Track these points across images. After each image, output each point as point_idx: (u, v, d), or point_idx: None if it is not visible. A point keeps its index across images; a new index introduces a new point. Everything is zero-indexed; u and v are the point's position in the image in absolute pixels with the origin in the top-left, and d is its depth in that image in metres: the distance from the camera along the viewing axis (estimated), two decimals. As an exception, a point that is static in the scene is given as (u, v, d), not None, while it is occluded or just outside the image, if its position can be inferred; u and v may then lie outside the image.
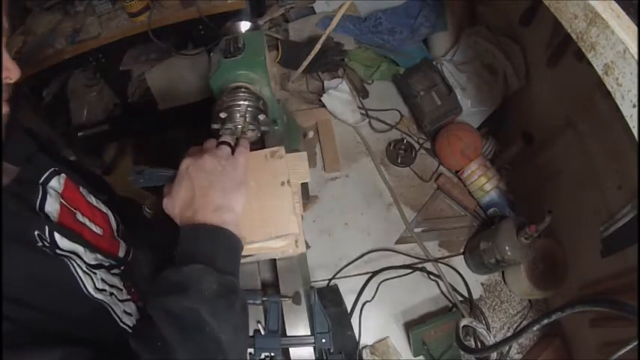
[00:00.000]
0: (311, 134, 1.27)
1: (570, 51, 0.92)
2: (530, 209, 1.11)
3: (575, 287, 0.96)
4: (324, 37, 1.15)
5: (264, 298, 0.71)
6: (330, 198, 1.19)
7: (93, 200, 0.72)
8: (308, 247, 1.12)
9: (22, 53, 1.52)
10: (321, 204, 1.18)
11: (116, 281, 0.69)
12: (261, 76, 0.77)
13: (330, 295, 1.02)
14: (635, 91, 0.50)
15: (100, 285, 0.64)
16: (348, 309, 1.03)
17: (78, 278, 0.59)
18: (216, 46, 0.81)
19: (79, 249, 0.61)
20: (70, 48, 1.54)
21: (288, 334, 0.74)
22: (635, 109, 0.50)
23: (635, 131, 0.50)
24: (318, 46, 1.15)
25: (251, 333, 0.71)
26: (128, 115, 1.98)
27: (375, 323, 1.04)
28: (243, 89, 0.75)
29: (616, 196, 0.80)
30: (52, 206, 0.60)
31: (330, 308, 0.99)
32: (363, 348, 1.00)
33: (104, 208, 0.74)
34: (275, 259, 0.81)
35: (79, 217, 0.65)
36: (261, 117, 0.74)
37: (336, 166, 1.23)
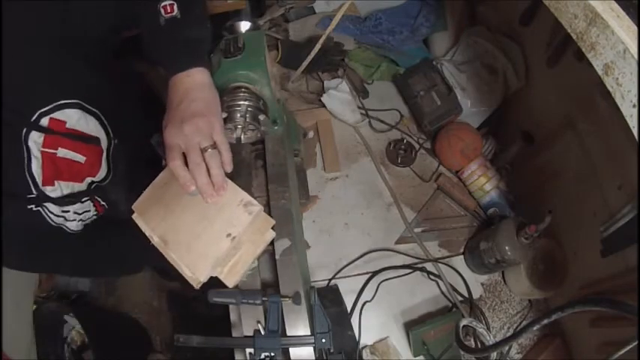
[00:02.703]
0: (311, 134, 1.27)
1: (570, 51, 0.92)
2: (530, 209, 1.11)
3: (575, 287, 0.96)
4: (324, 37, 1.15)
5: (264, 298, 0.71)
6: (330, 198, 1.19)
7: (85, 126, 0.73)
8: (308, 247, 1.12)
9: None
10: (321, 204, 1.18)
11: (86, 206, 0.78)
12: (261, 76, 0.77)
13: (330, 295, 1.02)
14: (635, 91, 0.50)
15: (71, 217, 0.75)
16: (348, 309, 1.03)
17: (50, 221, 0.72)
18: (216, 46, 0.80)
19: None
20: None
21: (288, 334, 0.74)
22: (635, 109, 0.50)
23: (635, 131, 0.50)
24: (318, 46, 1.15)
25: (251, 333, 0.71)
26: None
27: (375, 323, 1.04)
28: (243, 89, 0.75)
29: (616, 196, 0.80)
30: (35, 167, 0.67)
31: (330, 308, 0.99)
32: (363, 348, 1.00)
33: (96, 132, 0.76)
34: (275, 259, 0.81)
35: (60, 153, 0.70)
36: (261, 117, 0.74)
37: (336, 166, 1.23)
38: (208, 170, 0.64)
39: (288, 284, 0.76)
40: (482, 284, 1.12)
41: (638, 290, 0.67)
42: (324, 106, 1.28)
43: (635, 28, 0.52)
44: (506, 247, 0.96)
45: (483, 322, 1.06)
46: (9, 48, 0.59)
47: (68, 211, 0.74)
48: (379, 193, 1.21)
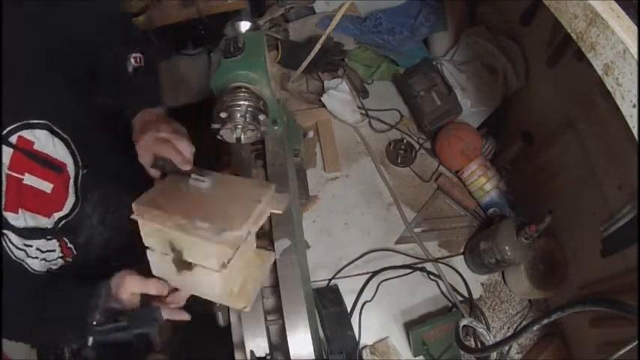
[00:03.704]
0: (311, 134, 1.27)
1: (570, 51, 0.92)
2: (530, 209, 1.11)
3: (575, 287, 0.97)
4: (324, 37, 1.15)
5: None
6: (330, 198, 1.19)
7: (52, 149, 0.72)
8: (308, 247, 1.12)
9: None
10: (321, 204, 1.18)
11: (51, 245, 0.75)
12: (261, 76, 0.77)
13: (330, 295, 1.02)
14: (635, 91, 0.50)
15: (33, 254, 0.72)
16: (348, 309, 1.03)
17: (10, 253, 0.68)
18: (216, 46, 0.81)
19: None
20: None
21: (287, 331, 0.74)
22: (635, 109, 0.50)
23: (635, 131, 0.50)
24: (318, 46, 1.15)
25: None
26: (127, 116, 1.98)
27: (375, 323, 1.04)
28: (243, 89, 0.75)
29: (616, 196, 0.80)
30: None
31: (330, 308, 0.99)
32: (363, 348, 1.00)
33: (63, 157, 0.75)
34: (274, 259, 0.81)
35: (26, 180, 0.69)
36: (261, 117, 0.74)
37: (336, 166, 1.23)
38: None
39: (288, 284, 0.76)
40: (482, 284, 1.12)
41: (639, 290, 0.67)
42: (324, 106, 1.28)
43: (635, 28, 0.52)
44: (506, 247, 0.96)
45: (483, 322, 1.06)
46: None
47: (31, 246, 0.71)
48: (379, 193, 1.21)
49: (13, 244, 0.68)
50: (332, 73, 1.36)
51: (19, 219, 0.68)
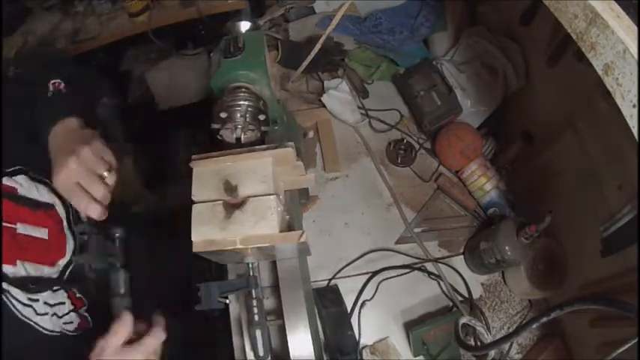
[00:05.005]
0: (311, 134, 1.27)
1: (570, 51, 0.92)
2: (530, 209, 1.11)
3: (575, 287, 0.96)
4: (324, 37, 1.15)
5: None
6: (330, 198, 1.19)
7: (36, 194, 0.70)
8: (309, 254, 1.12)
9: (22, 53, 1.52)
10: (321, 204, 1.18)
11: (59, 297, 0.70)
12: (261, 76, 0.77)
13: (330, 295, 1.02)
14: (635, 91, 0.50)
15: (41, 310, 0.65)
16: (348, 309, 1.03)
17: (16, 312, 0.61)
18: (216, 46, 0.81)
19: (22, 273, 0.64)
20: (70, 48, 1.54)
21: (287, 330, 0.74)
22: (635, 109, 0.50)
23: (635, 131, 0.50)
24: (318, 46, 1.15)
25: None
26: (128, 116, 1.98)
27: (375, 323, 1.04)
28: (243, 89, 0.75)
29: (616, 196, 0.80)
30: None
31: (330, 308, 0.99)
32: (363, 348, 1.00)
33: (50, 198, 0.72)
34: (275, 260, 0.81)
35: (20, 229, 0.65)
36: (261, 117, 0.74)
37: (336, 166, 1.23)
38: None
39: (288, 284, 0.76)
40: (482, 284, 1.12)
41: (638, 290, 0.67)
42: (324, 106, 1.28)
43: (635, 28, 0.52)
44: (506, 247, 0.96)
45: (483, 321, 1.06)
46: None
47: (37, 300, 0.65)
48: (379, 193, 1.21)
49: (18, 301, 0.62)
50: (332, 73, 1.36)
51: (19, 270, 0.64)
